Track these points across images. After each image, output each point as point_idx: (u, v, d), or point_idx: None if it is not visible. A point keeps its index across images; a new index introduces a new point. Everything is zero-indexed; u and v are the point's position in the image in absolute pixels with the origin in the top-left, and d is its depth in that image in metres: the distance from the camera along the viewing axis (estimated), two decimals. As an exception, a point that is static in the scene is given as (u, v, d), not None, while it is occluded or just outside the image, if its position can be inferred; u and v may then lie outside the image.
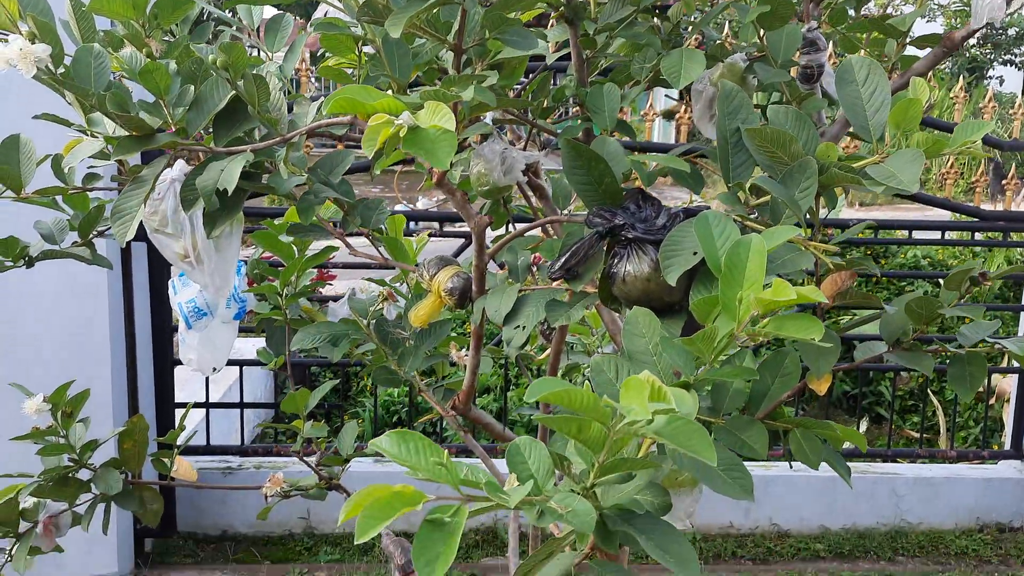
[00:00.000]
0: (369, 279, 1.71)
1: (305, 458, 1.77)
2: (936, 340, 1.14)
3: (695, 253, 0.93)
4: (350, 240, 1.38)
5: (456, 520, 0.69)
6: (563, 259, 1.05)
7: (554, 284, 1.16)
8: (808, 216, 0.98)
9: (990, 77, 15.52)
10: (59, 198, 1.38)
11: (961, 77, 4.79)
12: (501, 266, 1.35)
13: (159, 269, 3.01)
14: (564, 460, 0.87)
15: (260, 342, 1.84)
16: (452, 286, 1.23)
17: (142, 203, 1.07)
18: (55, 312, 2.78)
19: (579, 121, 1.34)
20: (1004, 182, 3.79)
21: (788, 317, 0.78)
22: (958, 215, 3.55)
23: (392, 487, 0.68)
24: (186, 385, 3.67)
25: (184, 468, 1.80)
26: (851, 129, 1.12)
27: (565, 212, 1.31)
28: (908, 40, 1.36)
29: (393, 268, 1.52)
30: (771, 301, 0.76)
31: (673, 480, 1.20)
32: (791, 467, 3.42)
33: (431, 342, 1.48)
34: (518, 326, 1.12)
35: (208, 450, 3.27)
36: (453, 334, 1.63)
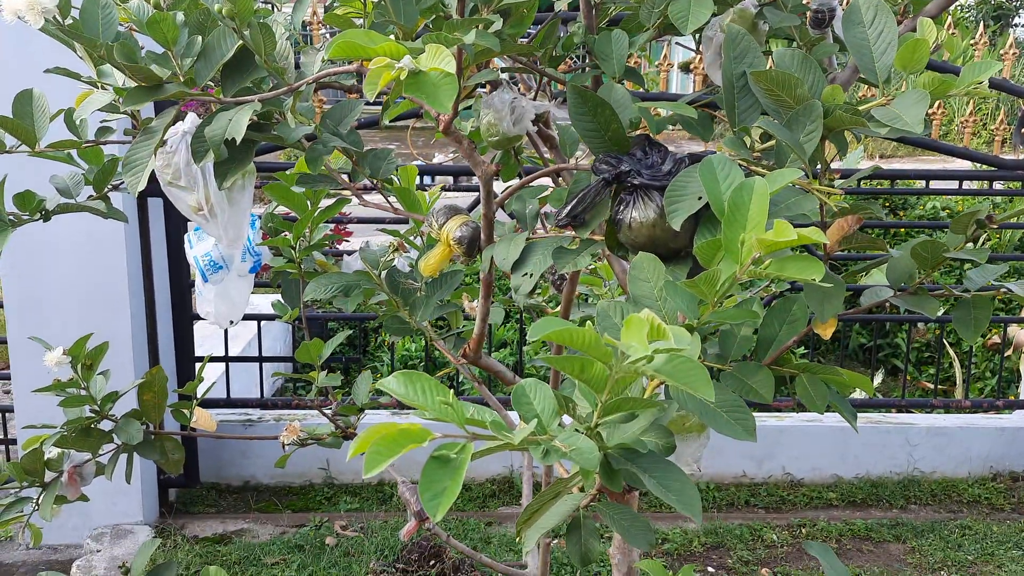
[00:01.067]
0: (384, 229, 1.72)
1: (322, 409, 1.81)
2: (945, 288, 1.14)
3: (700, 198, 0.93)
4: (367, 197, 1.39)
5: (461, 456, 0.71)
6: (569, 206, 1.05)
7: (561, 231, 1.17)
8: (819, 166, 0.98)
9: (1015, 24, 15.16)
10: (74, 153, 1.40)
11: (982, 24, 4.69)
12: (512, 216, 1.36)
13: (176, 224, 3.04)
14: (570, 402, 0.88)
15: (278, 297, 1.86)
16: (460, 235, 1.24)
17: (153, 153, 1.08)
18: (75, 268, 2.82)
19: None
20: (1025, 130, 3.73)
21: (789, 258, 0.79)
22: (977, 164, 3.51)
23: (399, 424, 0.70)
24: (205, 341, 3.73)
25: (204, 418, 1.83)
26: (861, 75, 1.11)
27: (573, 160, 1.31)
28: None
29: (407, 222, 1.53)
30: (773, 242, 0.77)
31: (680, 425, 1.21)
32: (799, 410, 3.43)
33: (442, 292, 1.49)
34: (526, 273, 1.13)
35: (228, 403, 3.32)
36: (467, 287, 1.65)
